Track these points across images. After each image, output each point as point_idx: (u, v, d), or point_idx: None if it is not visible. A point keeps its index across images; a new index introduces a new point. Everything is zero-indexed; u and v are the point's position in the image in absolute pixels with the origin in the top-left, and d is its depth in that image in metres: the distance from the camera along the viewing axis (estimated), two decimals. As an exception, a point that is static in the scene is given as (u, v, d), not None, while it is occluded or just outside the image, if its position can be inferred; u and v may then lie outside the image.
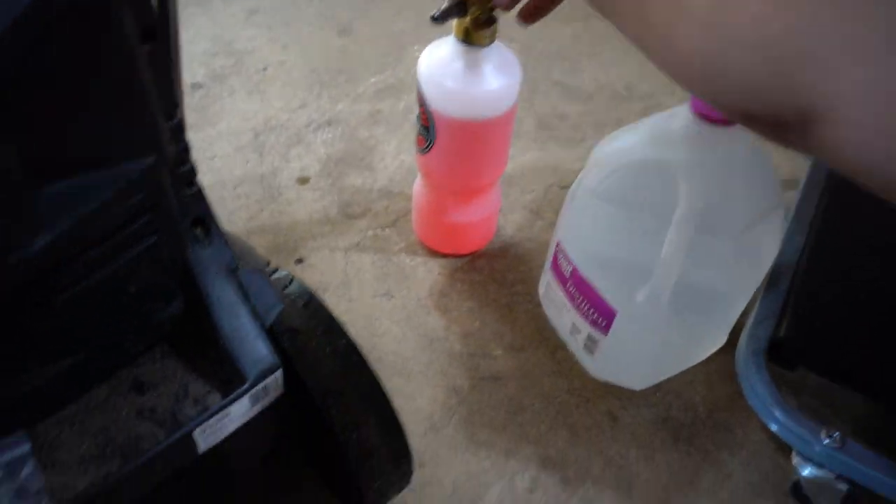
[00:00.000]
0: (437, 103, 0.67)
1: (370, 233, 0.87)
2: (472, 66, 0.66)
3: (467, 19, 0.62)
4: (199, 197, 0.50)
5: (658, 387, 0.73)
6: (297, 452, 0.64)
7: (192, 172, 0.49)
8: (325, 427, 0.51)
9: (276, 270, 0.58)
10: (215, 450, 0.49)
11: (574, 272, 0.68)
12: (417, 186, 0.82)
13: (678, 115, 0.63)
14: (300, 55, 1.13)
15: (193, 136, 0.97)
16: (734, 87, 0.26)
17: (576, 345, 0.73)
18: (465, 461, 0.68)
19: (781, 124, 0.26)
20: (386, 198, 0.91)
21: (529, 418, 0.71)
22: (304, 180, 0.93)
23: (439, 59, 0.67)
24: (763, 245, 0.66)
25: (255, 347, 0.49)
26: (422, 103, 0.69)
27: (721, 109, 0.28)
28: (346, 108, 1.04)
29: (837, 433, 0.59)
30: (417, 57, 0.68)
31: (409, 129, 1.00)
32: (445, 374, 0.74)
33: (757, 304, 0.70)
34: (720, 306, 0.67)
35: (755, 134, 0.29)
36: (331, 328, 0.53)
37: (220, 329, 0.48)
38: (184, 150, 0.48)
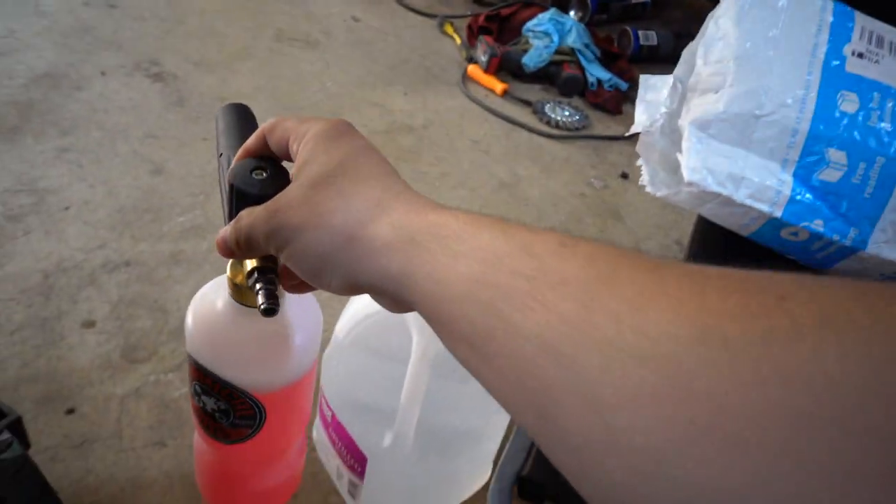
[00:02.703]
0: (259, 386, 0.52)
1: (152, 378, 0.86)
2: (274, 325, 0.52)
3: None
4: None
5: (424, 527, 0.75)
6: None
7: None
8: None
9: (-2, 433, 0.57)
10: None
11: (333, 417, 0.70)
12: (206, 456, 0.64)
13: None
14: (107, 194, 1.13)
15: (-32, 281, 0.94)
16: None
17: (342, 489, 0.74)
18: None
19: None
20: (175, 340, 0.91)
21: (293, 569, 0.70)
22: (89, 324, 0.91)
23: (238, 333, 0.50)
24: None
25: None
26: (231, 396, 0.51)
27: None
28: (148, 248, 1.04)
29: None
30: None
31: (210, 269, 1.01)
32: (212, 526, 0.73)
33: (510, 440, 0.74)
34: (469, 446, 0.71)
35: None
36: (42, 495, 0.52)
37: None
38: None
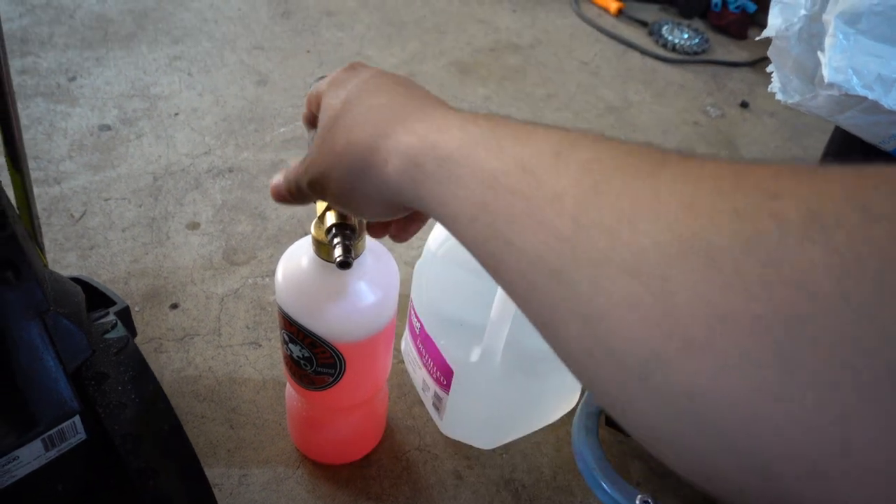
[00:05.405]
0: (338, 336, 0.55)
1: (250, 280, 0.88)
2: (355, 281, 0.55)
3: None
4: (12, 240, 0.51)
5: (507, 447, 0.74)
6: (103, 501, 0.63)
7: (3, 216, 0.50)
8: (124, 474, 0.52)
9: (104, 315, 0.59)
10: (10, 494, 0.49)
11: (422, 329, 0.70)
12: (295, 402, 0.68)
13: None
14: (214, 103, 1.15)
15: (92, 178, 0.99)
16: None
17: (427, 401, 0.74)
18: (305, 514, 0.68)
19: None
20: (272, 246, 0.93)
21: (375, 473, 0.71)
22: (194, 225, 0.94)
23: (320, 287, 0.54)
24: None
25: (53, 391, 0.49)
26: (314, 345, 0.56)
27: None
28: (251, 156, 1.06)
29: (649, 499, 0.61)
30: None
31: (308, 179, 1.02)
32: (300, 425, 0.75)
33: (601, 368, 0.71)
34: (557, 369, 0.69)
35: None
36: (141, 374, 0.54)
37: (19, 371, 0.49)
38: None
